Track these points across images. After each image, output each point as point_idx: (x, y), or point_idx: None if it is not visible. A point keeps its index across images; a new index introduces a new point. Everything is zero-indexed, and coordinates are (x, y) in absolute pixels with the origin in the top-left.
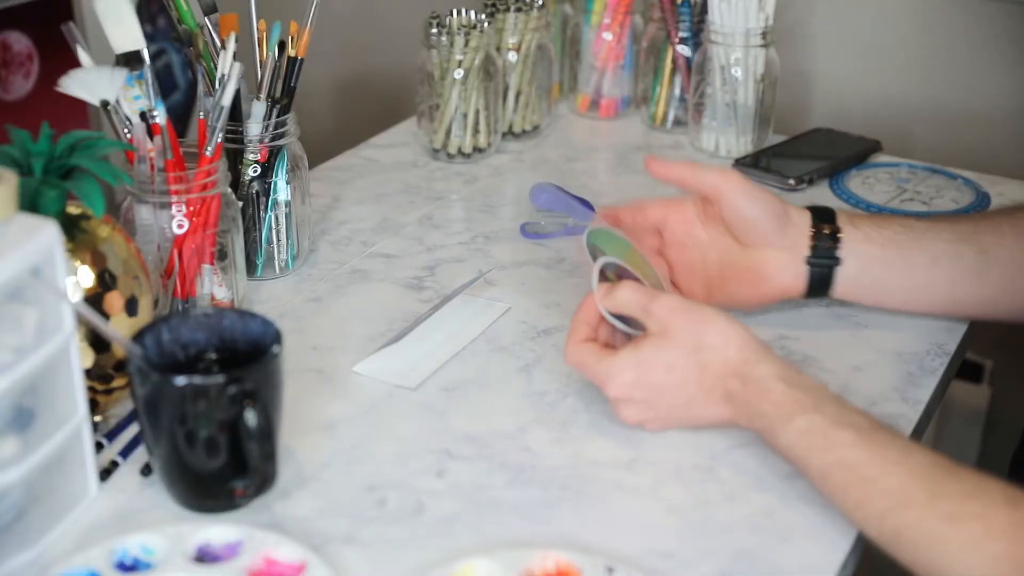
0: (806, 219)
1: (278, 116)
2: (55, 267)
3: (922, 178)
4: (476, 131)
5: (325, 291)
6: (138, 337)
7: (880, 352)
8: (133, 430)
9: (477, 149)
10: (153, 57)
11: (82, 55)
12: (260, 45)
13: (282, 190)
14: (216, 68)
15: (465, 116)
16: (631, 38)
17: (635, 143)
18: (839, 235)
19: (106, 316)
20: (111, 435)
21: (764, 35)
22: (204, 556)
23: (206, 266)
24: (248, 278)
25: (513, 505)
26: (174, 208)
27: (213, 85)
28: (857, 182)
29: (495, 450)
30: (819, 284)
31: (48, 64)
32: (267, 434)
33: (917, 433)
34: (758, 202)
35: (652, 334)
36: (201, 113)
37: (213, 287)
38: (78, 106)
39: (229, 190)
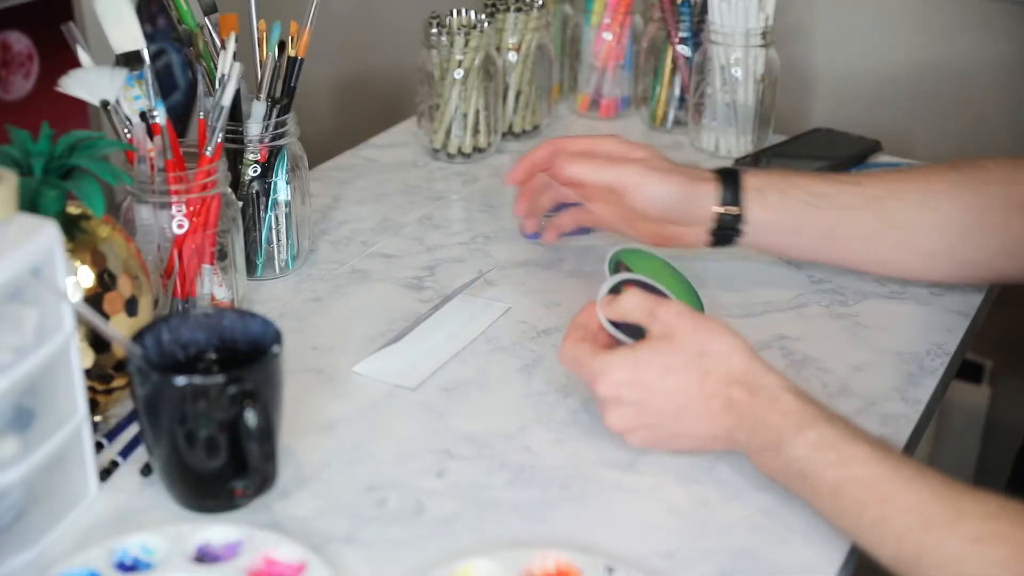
0: (712, 197)
1: (278, 116)
2: (55, 267)
3: None
4: (476, 131)
5: (325, 291)
6: (138, 337)
7: (880, 352)
8: (133, 430)
9: (477, 149)
10: (153, 57)
11: (82, 55)
12: (260, 45)
13: (282, 190)
14: (216, 68)
15: (465, 116)
16: (631, 38)
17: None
18: (743, 214)
19: (106, 316)
20: (111, 435)
21: (764, 35)
22: (204, 556)
23: (206, 266)
24: (248, 278)
25: (513, 505)
26: (174, 208)
27: (213, 85)
28: None
29: (495, 450)
30: (722, 243)
31: (48, 64)
32: (267, 434)
33: (917, 433)
34: (659, 199)
35: (654, 337)
36: (201, 113)
37: (213, 287)
38: (78, 106)
39: (229, 190)
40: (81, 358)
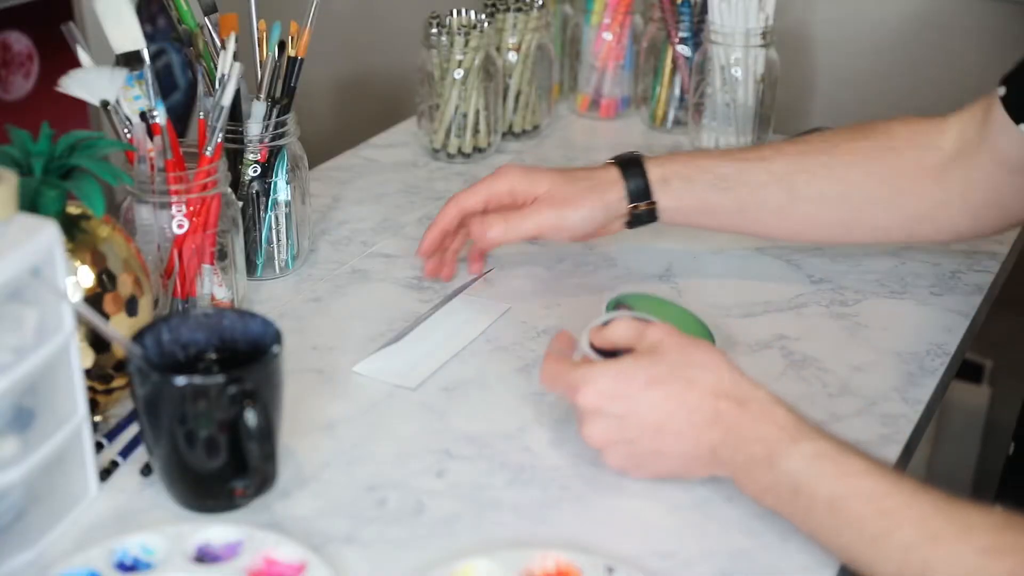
0: (623, 199)
1: (278, 116)
2: (55, 267)
3: None
4: (476, 131)
5: (325, 291)
6: (138, 337)
7: (880, 352)
8: (133, 430)
9: (477, 149)
10: (153, 57)
11: (82, 55)
12: (260, 45)
13: (282, 190)
14: (216, 68)
15: (465, 116)
16: (631, 38)
17: (635, 143)
18: (652, 208)
19: (106, 316)
20: (111, 435)
21: (764, 35)
22: (204, 556)
23: (206, 266)
24: (248, 278)
25: (513, 505)
26: (174, 208)
27: (213, 85)
28: None
29: (495, 450)
30: (639, 225)
31: (48, 64)
32: (267, 434)
33: (917, 433)
34: (580, 227)
35: (640, 351)
36: (201, 113)
37: (213, 287)
38: (78, 106)
39: (229, 190)
40: (81, 358)
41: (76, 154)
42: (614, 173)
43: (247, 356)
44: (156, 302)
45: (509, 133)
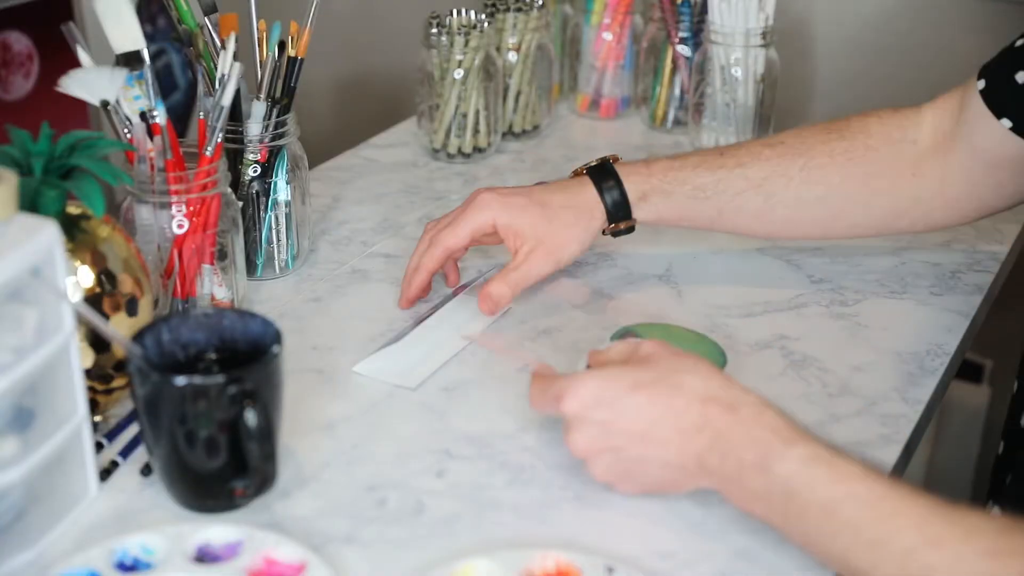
0: (604, 221)
1: (278, 116)
2: (55, 267)
3: None
4: (476, 131)
5: (325, 291)
6: (138, 337)
7: (880, 352)
8: (133, 430)
9: (477, 149)
10: (153, 57)
11: (82, 55)
12: (260, 45)
13: (282, 190)
14: (216, 68)
15: (465, 116)
16: (631, 38)
17: (635, 143)
18: (632, 225)
19: (106, 316)
20: (111, 435)
21: (764, 35)
22: (204, 556)
23: (206, 266)
24: (248, 278)
25: (513, 505)
26: (174, 208)
27: (213, 85)
28: None
29: (495, 450)
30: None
31: (48, 64)
32: (267, 434)
33: (917, 433)
34: (570, 258)
35: (629, 361)
36: (201, 113)
37: (213, 287)
38: (78, 106)
39: (229, 190)
40: (81, 358)
41: (76, 154)
42: (591, 193)
43: (247, 356)
44: (156, 302)
45: (509, 133)
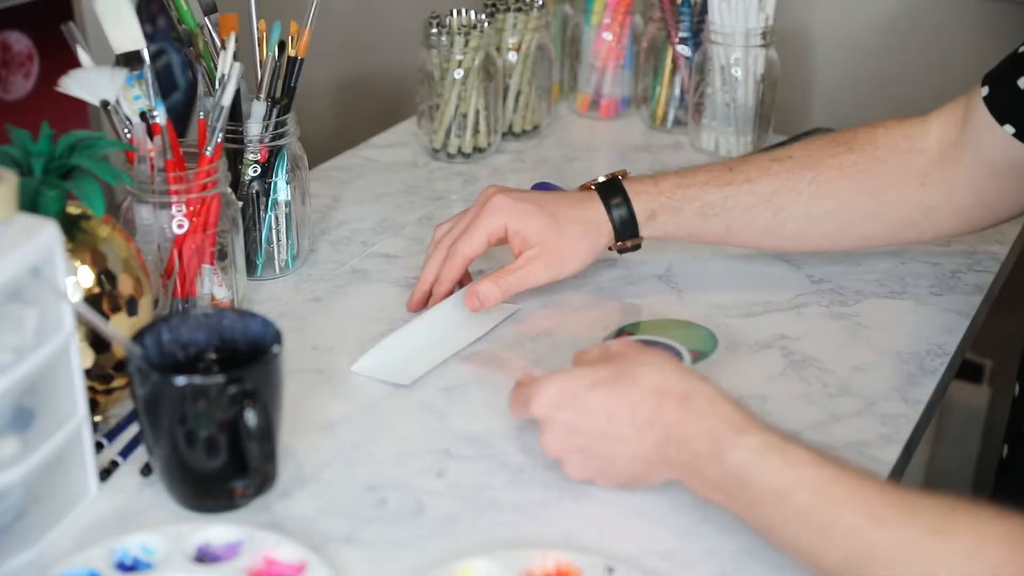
0: (611, 237)
1: (278, 116)
2: (55, 267)
3: None
4: (476, 131)
5: (325, 291)
6: (138, 337)
7: (880, 352)
8: (133, 430)
9: (477, 149)
10: (153, 57)
11: (82, 55)
12: (260, 45)
13: (282, 190)
14: (216, 68)
15: (465, 116)
16: (631, 38)
17: (635, 143)
18: (639, 243)
19: (106, 316)
20: (111, 435)
21: (764, 35)
22: (204, 556)
23: (206, 266)
24: (248, 278)
25: (513, 505)
26: (174, 208)
27: (213, 85)
28: None
29: (495, 450)
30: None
31: (48, 64)
32: (267, 434)
33: (917, 433)
34: (576, 268)
35: (598, 359)
36: (201, 113)
37: (213, 287)
38: (78, 106)
39: (229, 190)
40: (81, 358)
41: (76, 154)
42: (599, 210)
43: (247, 356)
44: (156, 302)
45: (509, 133)
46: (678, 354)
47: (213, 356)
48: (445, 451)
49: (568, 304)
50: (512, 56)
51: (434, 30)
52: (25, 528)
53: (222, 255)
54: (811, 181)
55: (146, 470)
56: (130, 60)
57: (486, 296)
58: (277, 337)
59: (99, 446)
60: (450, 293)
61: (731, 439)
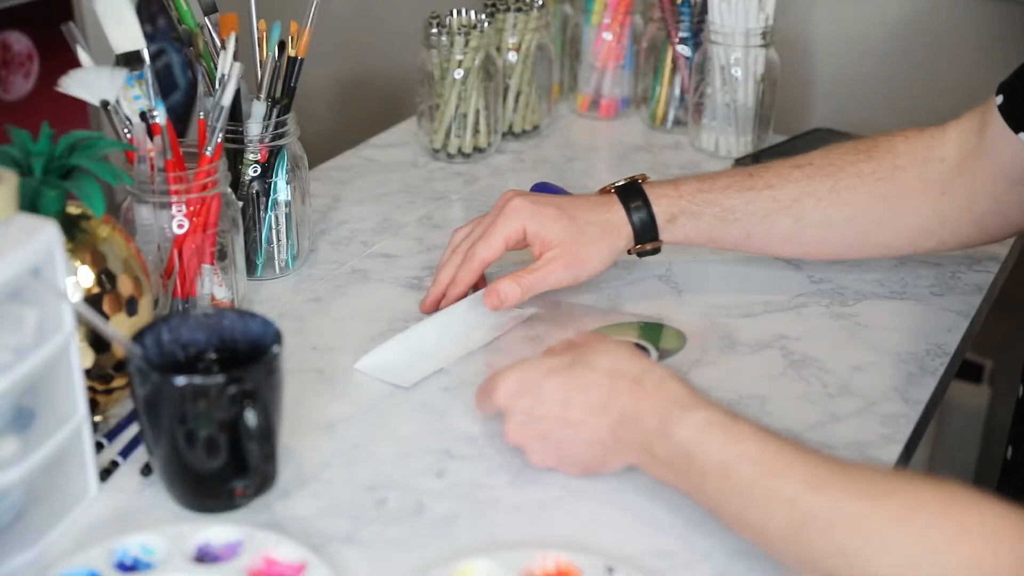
0: (631, 240)
1: (278, 116)
2: (55, 267)
3: None
4: (476, 131)
5: (325, 291)
6: (138, 337)
7: (880, 352)
8: (133, 430)
9: (477, 149)
10: (153, 57)
11: (82, 55)
12: (260, 45)
13: (282, 190)
14: (216, 68)
15: (465, 116)
16: (631, 38)
17: (635, 143)
18: (658, 246)
19: (106, 316)
20: (111, 435)
21: (764, 35)
22: (204, 556)
23: (206, 266)
24: (248, 278)
25: (513, 505)
26: (174, 208)
27: (213, 85)
28: None
29: (495, 450)
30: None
31: (48, 64)
32: (267, 434)
33: (917, 433)
34: (594, 272)
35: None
36: (201, 113)
37: (213, 287)
38: (78, 106)
39: (229, 190)
40: (81, 358)
41: (76, 154)
42: (619, 213)
43: (247, 356)
44: (156, 302)
45: (509, 133)
46: (646, 351)
47: (213, 356)
48: (445, 451)
49: (568, 304)
50: (512, 56)
51: (434, 30)
52: (25, 528)
53: (222, 255)
54: (831, 188)
55: (146, 470)
56: (130, 60)
57: (506, 294)
58: (277, 337)
59: (99, 446)
60: (464, 296)
61: (678, 416)
